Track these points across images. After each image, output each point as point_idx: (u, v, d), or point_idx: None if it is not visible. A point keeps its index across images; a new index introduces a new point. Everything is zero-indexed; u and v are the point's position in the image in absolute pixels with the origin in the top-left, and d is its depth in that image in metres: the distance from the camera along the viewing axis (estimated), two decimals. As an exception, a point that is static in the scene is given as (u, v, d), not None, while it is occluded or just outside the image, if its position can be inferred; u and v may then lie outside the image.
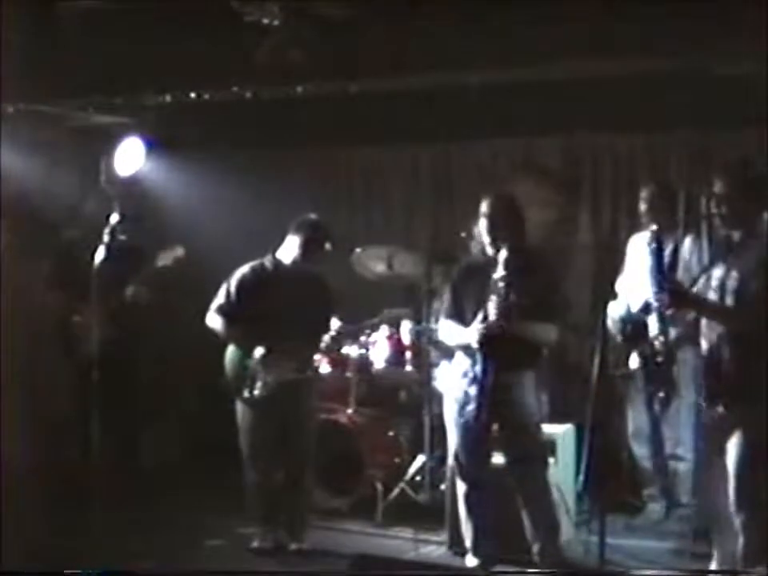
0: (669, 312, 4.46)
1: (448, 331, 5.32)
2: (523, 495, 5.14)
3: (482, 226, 5.18)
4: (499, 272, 4.99)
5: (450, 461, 5.33)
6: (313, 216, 5.75)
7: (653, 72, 5.66)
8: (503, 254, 5.00)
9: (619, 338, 5.01)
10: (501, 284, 4.97)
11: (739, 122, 5.87)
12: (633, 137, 6.81)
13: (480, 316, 5.04)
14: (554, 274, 5.44)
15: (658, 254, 4.53)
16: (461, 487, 5.25)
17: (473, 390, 5.04)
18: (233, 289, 5.68)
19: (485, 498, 5.21)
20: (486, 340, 4.97)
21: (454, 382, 5.21)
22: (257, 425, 5.61)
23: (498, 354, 4.98)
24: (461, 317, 5.18)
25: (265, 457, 5.67)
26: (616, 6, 5.19)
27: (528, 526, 5.17)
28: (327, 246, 5.67)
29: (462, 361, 5.19)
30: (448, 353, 6.51)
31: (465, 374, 5.14)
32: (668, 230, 5.66)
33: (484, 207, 5.18)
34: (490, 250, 5.14)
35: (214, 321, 5.70)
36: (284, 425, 5.61)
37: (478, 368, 5.04)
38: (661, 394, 4.43)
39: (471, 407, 5.03)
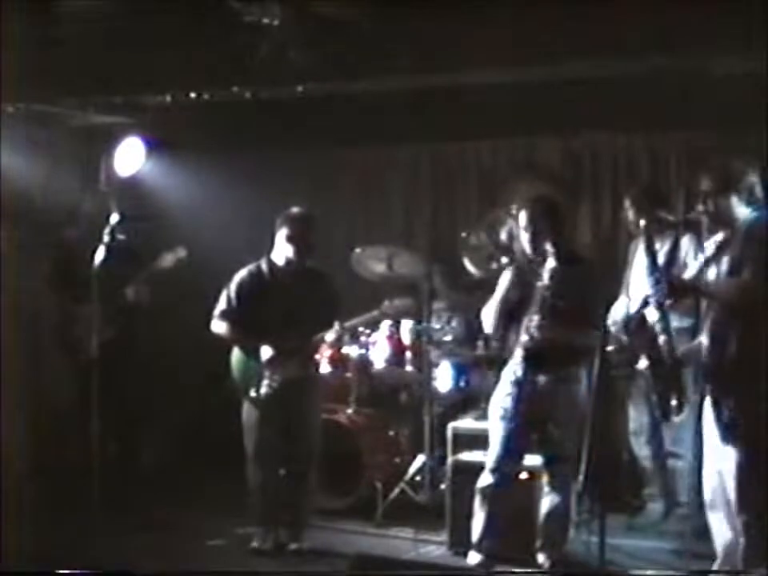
0: (668, 302, 4.47)
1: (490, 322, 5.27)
2: (550, 493, 5.20)
3: (523, 232, 5.15)
4: (544, 279, 5.01)
5: (487, 457, 5.26)
6: (295, 209, 5.71)
7: (652, 72, 5.66)
8: (549, 261, 5.02)
9: (623, 338, 5.01)
10: (547, 292, 5.00)
11: (739, 122, 5.87)
12: (633, 137, 6.82)
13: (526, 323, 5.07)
14: (597, 276, 5.38)
15: (651, 250, 4.56)
16: (484, 480, 5.21)
17: (518, 388, 5.09)
18: (232, 294, 5.70)
19: (505, 496, 5.21)
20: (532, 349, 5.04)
21: (501, 382, 5.23)
22: (262, 423, 5.61)
23: (543, 356, 5.07)
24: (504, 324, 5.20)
25: (269, 455, 5.66)
26: (616, 6, 5.19)
27: (542, 522, 5.22)
28: (313, 237, 5.65)
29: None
30: (447, 352, 6.55)
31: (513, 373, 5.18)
32: (663, 228, 5.69)
33: (525, 212, 5.14)
34: (532, 256, 5.14)
35: (218, 327, 5.72)
36: (289, 423, 5.62)
37: (523, 368, 5.12)
38: (673, 402, 4.42)
39: (516, 405, 5.07)
